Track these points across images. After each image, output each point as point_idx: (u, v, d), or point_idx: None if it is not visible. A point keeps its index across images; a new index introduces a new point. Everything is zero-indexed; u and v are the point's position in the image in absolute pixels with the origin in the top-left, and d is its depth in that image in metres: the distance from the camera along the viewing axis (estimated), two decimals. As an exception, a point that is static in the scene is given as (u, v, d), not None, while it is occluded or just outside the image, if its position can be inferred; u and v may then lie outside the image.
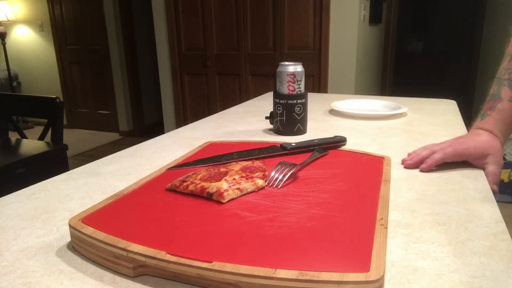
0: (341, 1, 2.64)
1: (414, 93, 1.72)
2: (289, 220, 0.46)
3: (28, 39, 4.72)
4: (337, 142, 0.80)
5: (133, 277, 0.40)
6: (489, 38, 3.69)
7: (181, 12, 3.16)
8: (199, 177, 0.56)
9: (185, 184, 0.54)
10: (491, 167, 0.67)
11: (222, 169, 0.59)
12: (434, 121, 1.05)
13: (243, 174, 0.57)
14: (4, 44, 4.56)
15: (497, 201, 0.55)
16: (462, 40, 5.53)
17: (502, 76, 0.72)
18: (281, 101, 0.92)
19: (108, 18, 4.13)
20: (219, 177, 0.56)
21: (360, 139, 0.89)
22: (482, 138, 0.70)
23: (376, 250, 0.39)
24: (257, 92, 3.03)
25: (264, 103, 1.37)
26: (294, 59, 2.82)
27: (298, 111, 0.92)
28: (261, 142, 0.81)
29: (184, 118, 3.42)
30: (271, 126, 1.01)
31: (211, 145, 0.81)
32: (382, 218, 0.46)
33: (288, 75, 0.91)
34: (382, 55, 4.04)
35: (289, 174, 0.59)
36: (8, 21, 4.50)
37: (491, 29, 3.64)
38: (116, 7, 4.08)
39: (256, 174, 0.58)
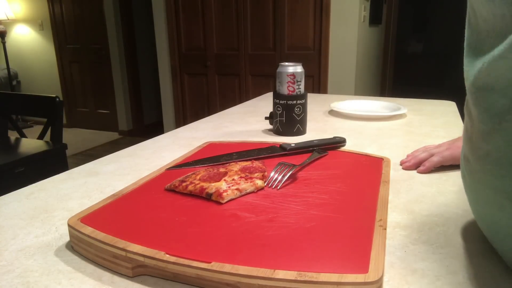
0: (341, 2, 2.64)
1: (413, 94, 1.72)
2: (288, 221, 0.46)
3: (28, 38, 4.72)
4: (337, 143, 0.80)
5: (132, 277, 0.40)
6: (489, 39, 3.69)
7: (181, 12, 3.16)
8: (198, 177, 0.56)
9: (184, 184, 0.54)
10: None
11: (222, 170, 0.59)
12: (434, 122, 1.06)
13: (243, 175, 0.57)
14: (4, 43, 4.56)
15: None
16: (462, 41, 5.53)
17: None
18: (280, 102, 0.92)
19: (108, 17, 4.13)
20: (219, 177, 0.56)
21: (359, 140, 0.89)
22: None
23: (375, 251, 0.39)
24: (257, 92, 3.03)
25: (264, 104, 1.37)
26: (294, 59, 2.82)
27: (297, 112, 0.92)
28: (261, 143, 0.81)
29: (183, 118, 3.42)
30: (270, 127, 1.01)
31: (211, 145, 0.81)
32: (381, 219, 0.46)
33: (288, 75, 0.91)
34: (382, 56, 4.05)
35: (288, 174, 0.59)
36: (8, 20, 4.50)
37: (491, 30, 3.64)
38: (116, 6, 4.08)
39: (256, 174, 0.58)
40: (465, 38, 0.39)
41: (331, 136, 0.82)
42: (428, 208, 0.54)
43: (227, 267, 0.36)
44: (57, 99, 1.79)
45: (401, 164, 0.72)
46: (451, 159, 0.68)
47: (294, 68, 0.91)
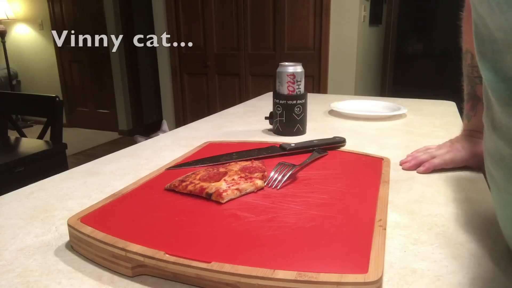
0: (341, 2, 2.64)
1: (413, 94, 1.72)
2: (288, 221, 0.46)
3: (28, 38, 4.71)
4: (337, 142, 0.80)
5: (132, 277, 0.40)
6: (489, 39, 3.68)
7: (181, 12, 3.16)
8: (198, 177, 0.56)
9: (184, 184, 0.54)
10: None
11: (221, 169, 0.59)
12: (434, 122, 1.06)
13: (242, 175, 0.57)
14: (4, 43, 4.56)
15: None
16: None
17: (471, 74, 0.70)
18: (280, 102, 0.92)
19: (108, 17, 4.12)
20: (218, 177, 0.56)
21: (359, 140, 0.89)
22: (478, 145, 0.69)
23: (374, 251, 0.39)
24: (257, 92, 3.03)
25: (264, 104, 1.37)
26: (294, 59, 2.81)
27: (297, 112, 0.92)
28: (261, 143, 0.81)
29: (183, 118, 3.41)
30: (270, 127, 1.01)
31: (211, 145, 0.81)
32: (380, 219, 0.46)
33: (288, 75, 0.91)
34: (382, 56, 4.05)
35: (288, 174, 0.59)
36: (8, 19, 4.49)
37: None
38: (116, 6, 4.08)
39: (255, 174, 0.58)
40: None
41: (331, 136, 0.82)
42: (428, 208, 0.54)
43: (227, 267, 0.36)
44: (57, 99, 1.79)
45: (400, 165, 0.72)
46: (452, 163, 0.68)
47: (294, 68, 0.91)
